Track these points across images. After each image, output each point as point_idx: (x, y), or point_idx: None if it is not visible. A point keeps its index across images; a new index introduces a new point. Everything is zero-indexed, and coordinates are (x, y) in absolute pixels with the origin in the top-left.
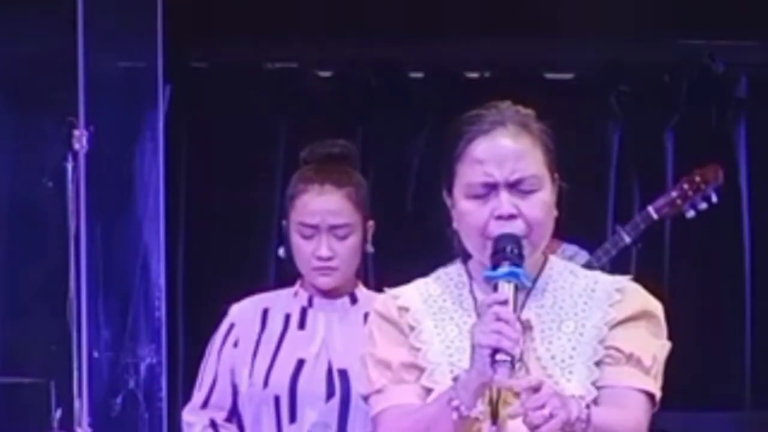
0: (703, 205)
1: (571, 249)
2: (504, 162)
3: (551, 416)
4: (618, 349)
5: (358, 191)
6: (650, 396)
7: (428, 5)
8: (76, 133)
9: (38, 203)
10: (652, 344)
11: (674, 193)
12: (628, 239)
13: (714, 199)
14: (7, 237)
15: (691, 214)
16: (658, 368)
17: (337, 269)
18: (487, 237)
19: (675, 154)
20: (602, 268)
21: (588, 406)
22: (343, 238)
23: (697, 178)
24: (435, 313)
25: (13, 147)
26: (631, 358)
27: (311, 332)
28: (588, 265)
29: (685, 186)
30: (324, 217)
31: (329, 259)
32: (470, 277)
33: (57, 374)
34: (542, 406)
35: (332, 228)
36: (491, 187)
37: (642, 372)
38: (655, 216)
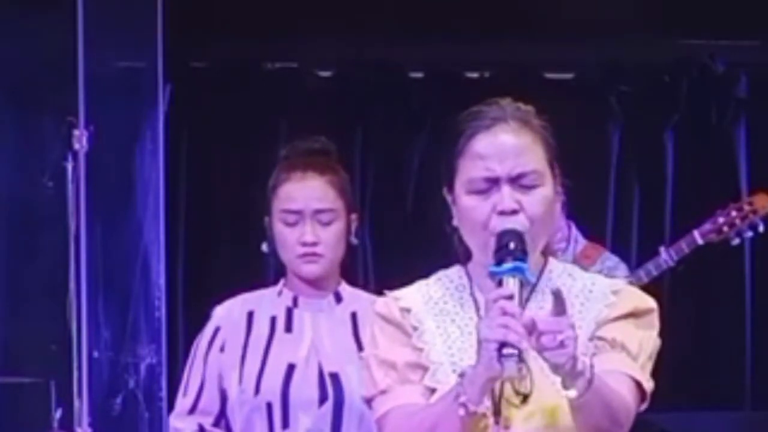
0: (749, 234)
1: (612, 259)
2: (505, 157)
3: (562, 345)
4: (602, 338)
5: (341, 181)
6: (638, 384)
7: (428, 5)
8: (76, 133)
9: (38, 203)
10: (637, 334)
11: (721, 219)
12: (670, 261)
13: (761, 228)
14: (7, 237)
15: (736, 241)
16: (645, 358)
17: (322, 256)
18: (489, 232)
19: (675, 154)
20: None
21: (592, 366)
22: (328, 224)
23: (746, 207)
24: (436, 315)
25: (13, 147)
26: (615, 344)
27: (298, 335)
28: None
29: (733, 213)
30: (308, 202)
31: (314, 244)
32: (470, 279)
33: (57, 374)
34: (559, 332)
35: (316, 213)
36: (493, 182)
37: (628, 357)
38: (699, 241)
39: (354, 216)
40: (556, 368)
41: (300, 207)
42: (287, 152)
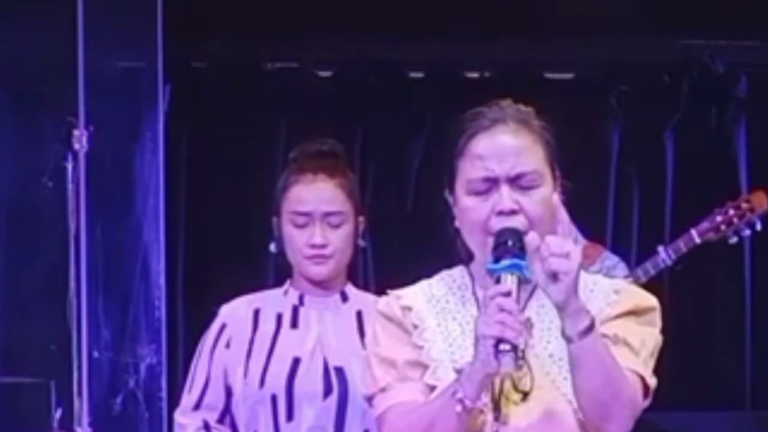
0: (747, 232)
1: (612, 259)
2: (504, 157)
3: (568, 255)
4: (604, 335)
5: (350, 183)
6: (641, 379)
7: (429, 5)
8: (76, 133)
9: (38, 203)
10: (639, 330)
11: (719, 218)
12: (668, 261)
13: (758, 226)
14: (7, 237)
15: (734, 240)
16: (647, 354)
17: (331, 257)
18: (489, 233)
19: (675, 154)
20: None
21: (593, 318)
22: (337, 226)
23: (744, 205)
24: (438, 313)
25: (13, 147)
26: (617, 340)
27: (304, 330)
28: None
29: (731, 212)
30: (317, 204)
31: (323, 246)
32: (472, 278)
33: (57, 374)
34: (564, 252)
35: (326, 216)
36: (492, 183)
37: (630, 353)
38: (697, 240)
39: (361, 218)
40: (556, 289)
41: (310, 209)
42: (296, 154)
